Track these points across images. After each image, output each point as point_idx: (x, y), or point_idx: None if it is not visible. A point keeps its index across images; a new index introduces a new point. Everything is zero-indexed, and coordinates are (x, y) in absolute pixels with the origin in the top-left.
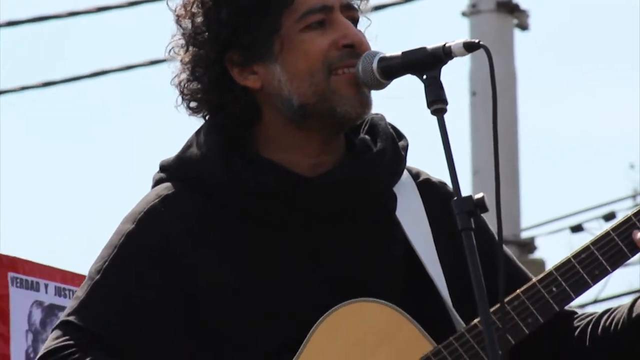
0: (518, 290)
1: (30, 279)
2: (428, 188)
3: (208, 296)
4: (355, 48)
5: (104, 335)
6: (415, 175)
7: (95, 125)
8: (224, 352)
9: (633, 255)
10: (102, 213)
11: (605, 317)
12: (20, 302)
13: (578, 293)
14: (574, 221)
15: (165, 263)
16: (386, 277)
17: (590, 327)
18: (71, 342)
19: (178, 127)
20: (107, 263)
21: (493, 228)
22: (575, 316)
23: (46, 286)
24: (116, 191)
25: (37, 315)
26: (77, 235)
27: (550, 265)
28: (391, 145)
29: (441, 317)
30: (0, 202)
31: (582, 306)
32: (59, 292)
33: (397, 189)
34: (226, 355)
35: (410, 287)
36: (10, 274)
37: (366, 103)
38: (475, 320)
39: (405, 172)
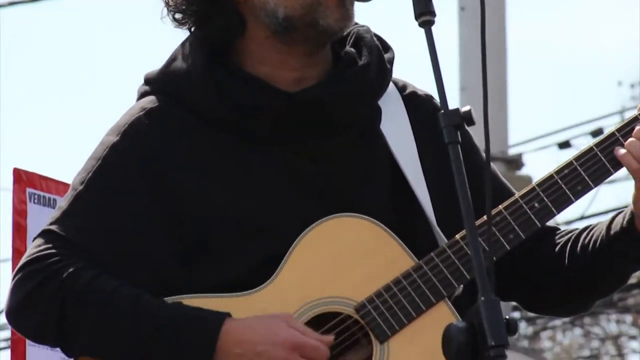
0: (500, 206)
1: (47, 195)
2: (414, 101)
3: (192, 210)
4: None
5: (84, 245)
6: (402, 88)
7: (93, 38)
8: (208, 266)
9: (616, 171)
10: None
11: (584, 234)
12: (38, 219)
13: (560, 209)
14: (561, 137)
15: (149, 175)
16: (370, 192)
17: (569, 244)
18: (53, 250)
19: (170, 39)
20: (90, 174)
21: (480, 145)
22: (557, 232)
23: None
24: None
25: None
26: (81, 151)
27: None
28: (377, 59)
29: (424, 233)
30: (18, 119)
31: (569, 222)
32: None
33: (382, 101)
34: (211, 269)
35: (394, 202)
36: (29, 190)
37: (348, 16)
38: (457, 236)
39: (391, 84)
